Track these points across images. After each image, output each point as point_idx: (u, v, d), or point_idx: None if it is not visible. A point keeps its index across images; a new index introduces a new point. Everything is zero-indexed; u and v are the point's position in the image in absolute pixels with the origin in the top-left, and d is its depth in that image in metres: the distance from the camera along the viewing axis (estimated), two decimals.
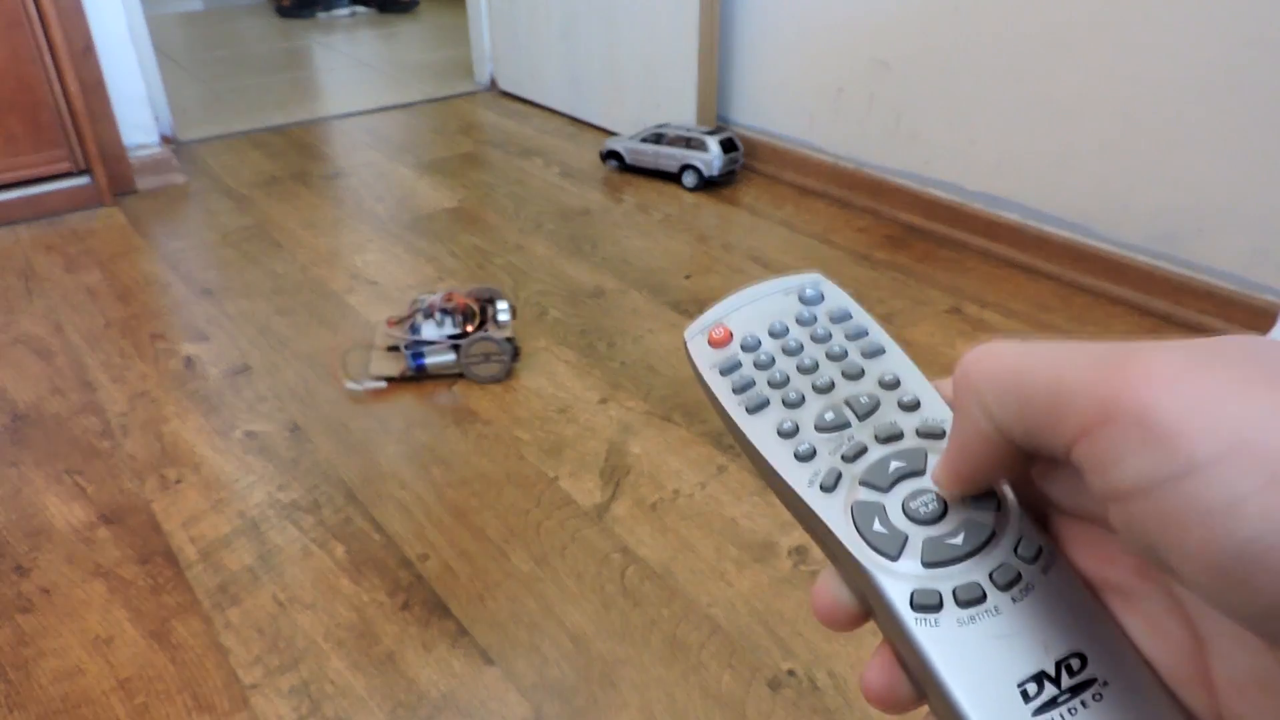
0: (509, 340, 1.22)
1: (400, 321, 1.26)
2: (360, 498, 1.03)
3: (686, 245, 1.63)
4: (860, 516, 0.21)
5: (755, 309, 0.25)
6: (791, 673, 0.81)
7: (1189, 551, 0.15)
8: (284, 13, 3.48)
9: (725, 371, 0.24)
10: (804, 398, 0.23)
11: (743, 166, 1.94)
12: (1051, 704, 0.18)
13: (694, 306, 1.42)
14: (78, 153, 1.75)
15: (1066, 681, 0.18)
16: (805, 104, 1.84)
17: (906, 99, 1.66)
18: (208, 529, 0.98)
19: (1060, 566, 0.20)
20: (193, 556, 0.95)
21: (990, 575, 0.20)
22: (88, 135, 1.73)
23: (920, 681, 0.20)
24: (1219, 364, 0.15)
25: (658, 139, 1.87)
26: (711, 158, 1.81)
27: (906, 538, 0.20)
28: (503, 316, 1.24)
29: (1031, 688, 0.18)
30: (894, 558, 0.20)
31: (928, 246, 1.63)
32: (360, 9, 3.53)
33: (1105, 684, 0.18)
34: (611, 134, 2.15)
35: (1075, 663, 0.18)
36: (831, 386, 0.23)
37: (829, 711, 0.78)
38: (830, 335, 0.24)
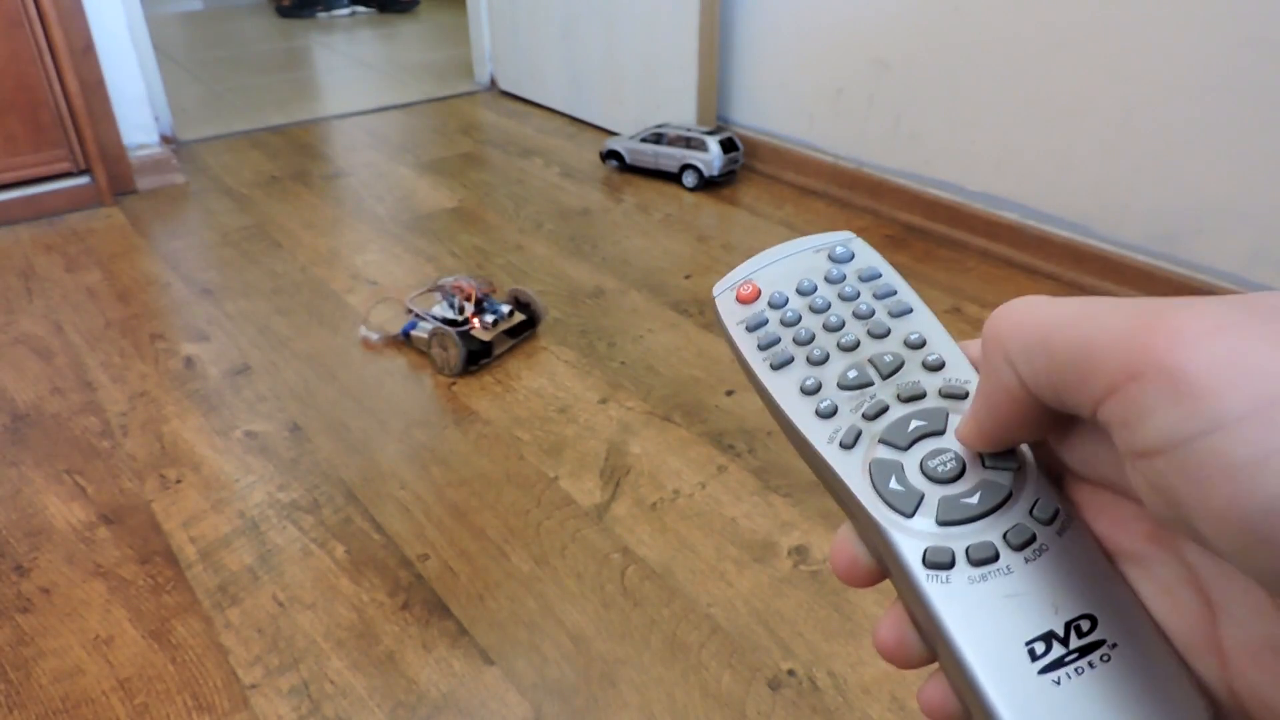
0: (482, 341, 1.23)
1: (421, 295, 1.35)
2: (360, 498, 1.03)
3: (686, 245, 1.63)
4: (878, 474, 0.21)
5: (785, 266, 0.25)
6: (791, 673, 0.81)
7: (1213, 509, 0.15)
8: (284, 13, 3.48)
9: (752, 328, 0.24)
10: (828, 355, 0.23)
11: (743, 166, 1.94)
12: (1059, 663, 0.18)
13: (694, 306, 1.42)
14: (78, 153, 1.75)
15: (1075, 642, 0.18)
16: (805, 104, 1.84)
17: (906, 99, 1.66)
18: (208, 529, 0.98)
19: (1076, 530, 0.20)
20: (193, 556, 0.95)
21: (1004, 535, 0.20)
22: (88, 135, 1.73)
23: (930, 638, 0.20)
24: (1250, 320, 0.15)
25: (658, 139, 1.87)
26: (711, 158, 1.81)
27: (922, 496, 0.21)
28: (488, 318, 1.25)
29: (1039, 646, 0.18)
30: (909, 515, 0.20)
31: (928, 246, 1.63)
32: (360, 9, 3.53)
33: (1114, 646, 0.18)
34: (611, 134, 2.15)
35: (1085, 624, 0.18)
36: (857, 345, 0.23)
37: (829, 711, 0.78)
38: (858, 294, 0.24)
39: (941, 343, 0.23)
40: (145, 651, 0.84)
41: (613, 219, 1.74)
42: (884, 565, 0.21)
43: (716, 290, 0.26)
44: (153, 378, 1.25)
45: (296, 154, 2.08)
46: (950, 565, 0.19)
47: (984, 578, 0.19)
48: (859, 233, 1.42)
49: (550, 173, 1.96)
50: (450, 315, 1.26)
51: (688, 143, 1.84)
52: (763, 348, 0.24)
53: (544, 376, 1.24)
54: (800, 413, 0.22)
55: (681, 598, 0.89)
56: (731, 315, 0.25)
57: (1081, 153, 1.43)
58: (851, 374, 0.23)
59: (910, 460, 0.21)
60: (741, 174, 1.94)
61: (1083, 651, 0.18)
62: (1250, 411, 0.14)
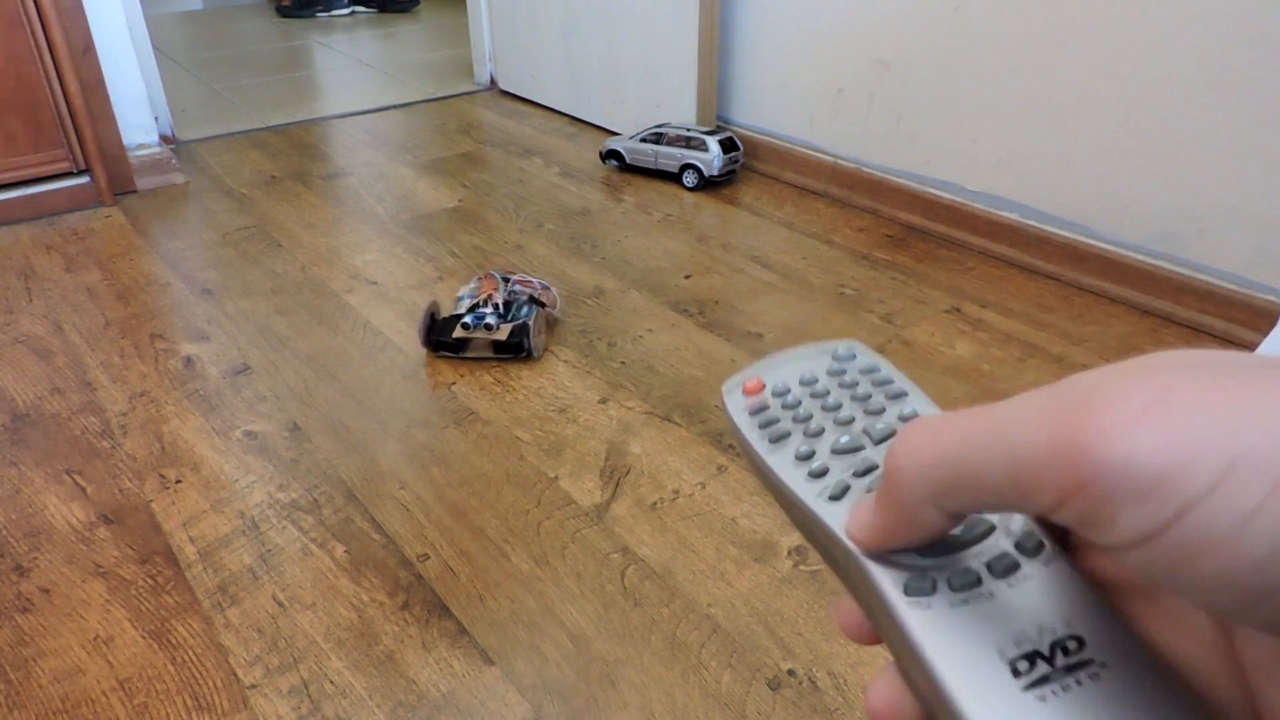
0: (456, 338, 1.25)
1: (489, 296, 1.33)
2: (360, 498, 1.03)
3: (686, 245, 1.63)
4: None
5: (790, 365, 0.27)
6: (791, 673, 0.81)
7: (1205, 581, 0.14)
8: (284, 12, 3.48)
9: (754, 413, 0.26)
10: (824, 429, 0.24)
11: (743, 166, 1.94)
12: (1043, 680, 0.17)
13: (694, 306, 1.42)
14: (77, 153, 1.75)
15: (1061, 661, 0.18)
16: (805, 104, 1.84)
17: (906, 99, 1.66)
18: (207, 529, 0.98)
19: (1063, 563, 0.20)
20: (192, 556, 0.95)
21: (987, 564, 0.20)
22: (87, 135, 1.73)
23: (912, 672, 0.19)
24: (1171, 382, 0.14)
25: (658, 139, 1.87)
26: (711, 158, 1.81)
27: None
28: (479, 319, 1.27)
29: (1023, 665, 0.18)
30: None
31: (928, 246, 1.63)
32: (360, 9, 3.53)
33: (1104, 665, 0.18)
34: (611, 134, 2.15)
35: (1072, 645, 0.18)
36: (852, 420, 0.24)
37: (829, 711, 0.78)
38: (857, 383, 0.25)
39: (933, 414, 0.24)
40: (145, 651, 0.84)
41: (613, 219, 1.74)
42: (872, 613, 0.21)
43: (725, 388, 0.27)
44: (153, 378, 1.25)
45: (296, 154, 2.08)
46: (931, 590, 0.19)
47: (965, 601, 0.19)
48: (858, 233, 1.42)
49: (550, 173, 1.96)
50: (473, 303, 1.30)
51: (688, 143, 1.84)
52: (762, 427, 0.25)
53: (544, 376, 1.24)
54: (793, 477, 0.23)
55: (681, 598, 0.89)
56: (737, 406, 0.26)
57: (1081, 153, 1.43)
58: (844, 439, 0.23)
59: None
60: (741, 174, 1.94)
61: (1069, 669, 0.18)
62: (1218, 478, 0.14)
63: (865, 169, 1.77)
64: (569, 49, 2.21)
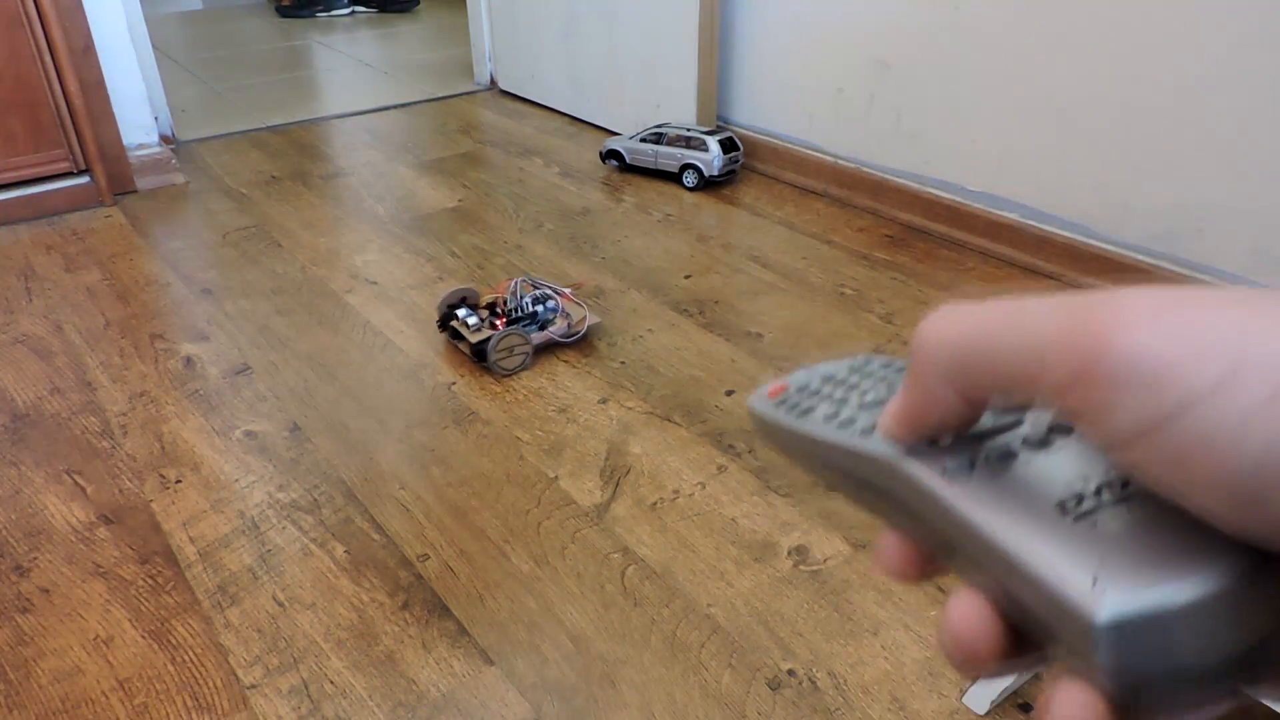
0: (453, 326, 1.26)
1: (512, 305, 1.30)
2: (360, 498, 1.03)
3: (686, 245, 1.63)
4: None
5: (812, 371, 0.28)
6: (791, 673, 0.81)
7: (1199, 483, 0.14)
8: (284, 12, 3.48)
9: (780, 404, 0.26)
10: (849, 399, 0.25)
11: (743, 166, 1.94)
12: (1092, 511, 0.17)
13: (694, 306, 1.42)
14: (77, 153, 1.75)
15: (1107, 496, 0.18)
16: (805, 104, 1.84)
17: (906, 99, 1.66)
18: (207, 529, 0.98)
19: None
20: (192, 556, 0.94)
21: (1022, 440, 0.20)
22: (87, 135, 1.73)
23: (949, 548, 0.20)
24: (1193, 296, 0.15)
25: (658, 139, 1.87)
26: (711, 158, 1.81)
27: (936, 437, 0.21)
28: (460, 312, 1.27)
29: (1070, 503, 0.18)
30: (924, 448, 0.21)
31: (928, 246, 1.63)
32: (360, 9, 3.53)
33: (1150, 495, 0.17)
34: (611, 134, 2.15)
35: (1115, 484, 0.18)
36: (873, 390, 0.25)
37: (829, 711, 0.78)
38: (876, 372, 0.26)
39: None
40: (145, 651, 0.84)
41: (613, 219, 1.74)
42: (916, 524, 0.21)
43: (750, 400, 0.28)
44: (152, 378, 1.25)
45: (296, 154, 2.08)
46: (970, 467, 0.20)
47: (1005, 470, 0.19)
48: (858, 233, 1.43)
49: (550, 172, 1.96)
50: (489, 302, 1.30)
51: (688, 143, 1.84)
52: (789, 409, 0.26)
53: (544, 376, 1.24)
54: (823, 430, 0.24)
55: (681, 598, 0.89)
56: (764, 405, 0.27)
57: (1081, 153, 1.43)
58: (870, 395, 0.24)
59: None
60: (741, 174, 1.94)
61: (1116, 501, 0.18)
62: (1221, 377, 0.14)
63: (865, 169, 1.77)
64: (569, 49, 2.21)
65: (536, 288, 1.30)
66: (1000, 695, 0.78)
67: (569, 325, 1.28)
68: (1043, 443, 0.20)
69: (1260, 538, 0.15)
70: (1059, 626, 0.16)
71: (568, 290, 1.33)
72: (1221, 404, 0.14)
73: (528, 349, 1.24)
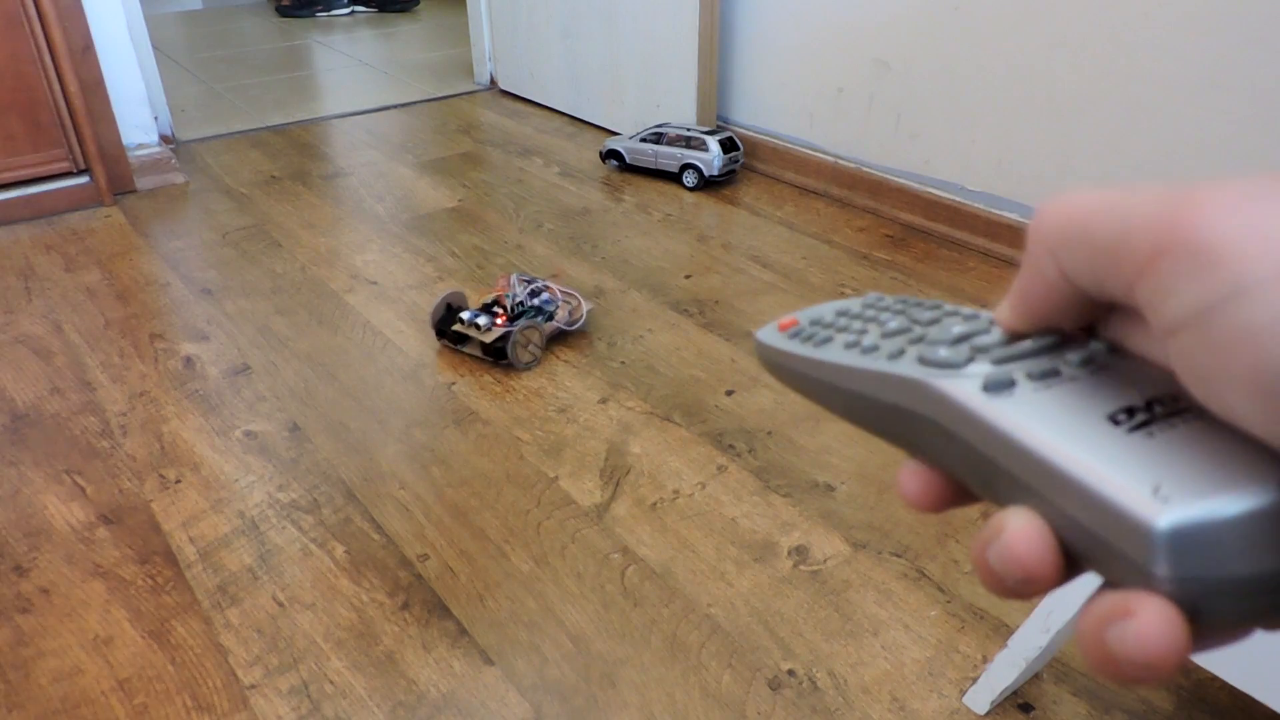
0: (455, 331, 1.25)
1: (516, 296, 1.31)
2: (360, 498, 1.02)
3: (686, 245, 1.63)
4: (926, 353, 0.21)
5: (822, 307, 0.27)
6: (791, 673, 0.81)
7: (1237, 376, 0.15)
8: (284, 12, 3.48)
9: (793, 336, 0.26)
10: (868, 330, 0.24)
11: (743, 166, 1.94)
12: (1146, 423, 0.17)
13: (694, 306, 1.42)
14: (77, 153, 1.75)
15: (1159, 410, 0.18)
16: (805, 104, 1.84)
17: (906, 99, 1.66)
18: (207, 529, 0.98)
19: (1142, 360, 0.19)
20: (192, 556, 0.94)
21: (1064, 357, 0.20)
22: (87, 135, 1.73)
23: (988, 471, 0.19)
24: (1276, 193, 0.15)
25: (658, 139, 1.87)
26: (711, 157, 1.81)
27: (973, 355, 0.20)
28: (466, 314, 1.27)
29: (1121, 417, 0.17)
30: (960, 366, 0.20)
31: (928, 246, 1.63)
32: (360, 9, 3.53)
33: (1202, 411, 0.17)
34: (611, 134, 2.15)
35: (1166, 400, 0.18)
36: (893, 320, 0.24)
37: (829, 711, 0.78)
38: (890, 306, 0.26)
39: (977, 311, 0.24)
40: (145, 652, 0.84)
41: (613, 219, 1.74)
42: (944, 451, 0.20)
43: (758, 332, 0.27)
44: (152, 378, 1.25)
45: (296, 154, 2.08)
46: (1010, 385, 0.19)
47: (1049, 386, 0.19)
48: (858, 233, 1.42)
49: (550, 172, 1.96)
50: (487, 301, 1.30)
51: (688, 143, 1.84)
52: (804, 340, 0.25)
53: (544, 376, 1.24)
54: (845, 357, 0.23)
55: (681, 598, 0.89)
56: (774, 339, 0.26)
57: (1081, 153, 1.43)
58: (892, 324, 0.23)
59: (959, 344, 0.21)
60: (741, 174, 1.94)
61: (1169, 415, 0.17)
62: (1270, 276, 0.14)
63: (865, 169, 1.77)
64: (569, 49, 2.21)
65: (530, 282, 1.31)
66: (1000, 695, 0.78)
67: (570, 313, 1.30)
68: (1087, 361, 0.19)
69: None
70: (1116, 538, 0.16)
71: (549, 282, 1.34)
72: (1265, 298, 0.14)
73: (542, 341, 1.26)
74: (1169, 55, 1.29)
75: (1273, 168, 1.22)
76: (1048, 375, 0.19)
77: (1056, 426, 0.18)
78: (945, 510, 0.22)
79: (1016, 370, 0.19)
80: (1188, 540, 0.15)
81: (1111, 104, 1.37)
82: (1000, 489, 0.19)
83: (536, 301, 1.29)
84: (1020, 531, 0.17)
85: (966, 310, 0.24)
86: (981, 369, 0.20)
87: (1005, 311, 0.21)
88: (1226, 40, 1.23)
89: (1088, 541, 0.17)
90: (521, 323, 1.24)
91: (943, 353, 0.21)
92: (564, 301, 1.31)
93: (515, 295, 1.28)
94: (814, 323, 0.26)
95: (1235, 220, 0.15)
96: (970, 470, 0.20)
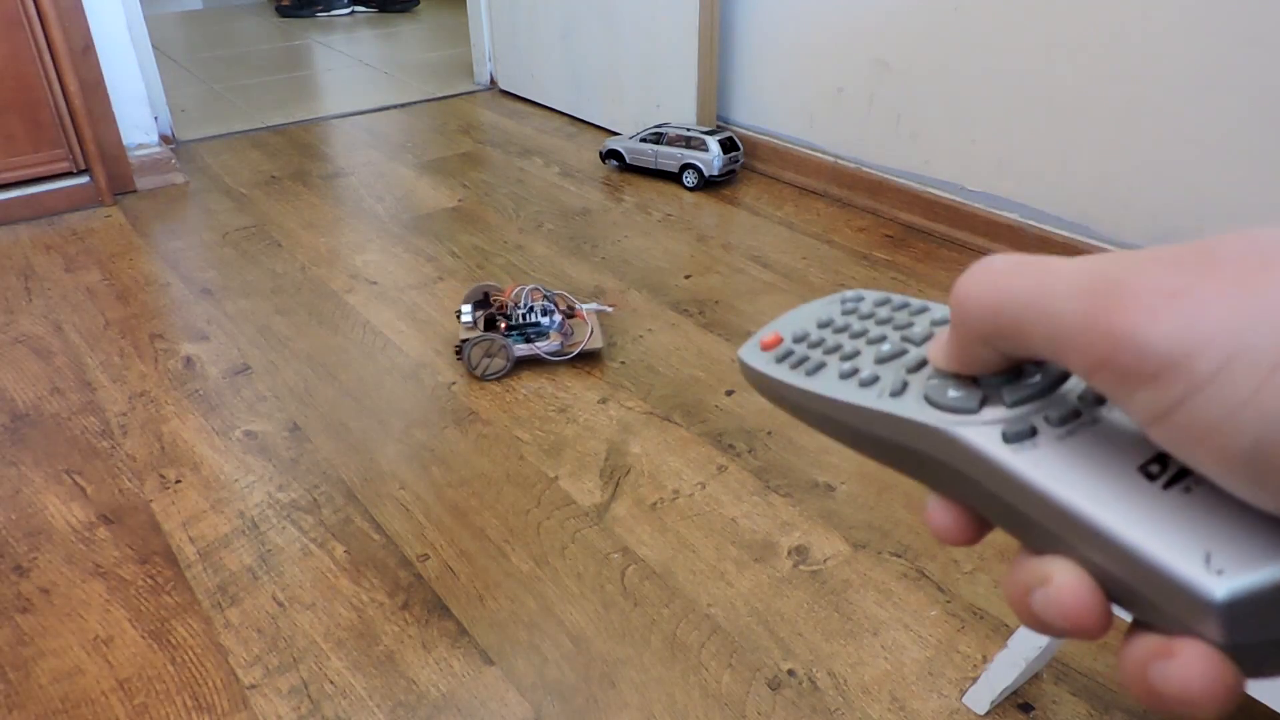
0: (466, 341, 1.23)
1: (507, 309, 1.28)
2: (360, 498, 1.02)
3: (686, 245, 1.63)
4: (934, 393, 0.20)
5: (801, 315, 0.26)
6: (791, 673, 0.81)
7: (1211, 460, 0.16)
8: (284, 12, 3.48)
9: (780, 359, 0.25)
10: (859, 351, 0.24)
11: (743, 166, 1.94)
12: (1181, 475, 0.17)
13: (694, 306, 1.42)
14: (77, 153, 1.75)
15: None
16: (805, 104, 1.84)
17: (906, 99, 1.66)
18: (207, 529, 0.98)
19: None
20: (192, 556, 0.94)
21: (1079, 396, 0.19)
22: (87, 135, 1.73)
23: (1036, 528, 0.18)
24: (1210, 269, 0.16)
25: (658, 139, 1.87)
26: (711, 157, 1.81)
27: (984, 395, 0.20)
28: (466, 317, 1.26)
29: (1154, 468, 0.17)
30: (975, 410, 0.20)
31: (928, 246, 1.63)
32: (360, 9, 3.53)
33: None
34: (611, 134, 2.15)
35: None
36: (884, 337, 0.24)
37: (829, 711, 0.78)
38: (874, 313, 0.25)
39: None
40: (145, 651, 0.84)
41: (613, 219, 1.74)
42: (971, 490, 0.20)
43: (741, 352, 0.26)
44: (152, 378, 1.25)
45: (296, 154, 2.08)
46: (1033, 433, 0.19)
47: (1071, 432, 0.18)
48: (858, 233, 1.42)
49: (550, 172, 1.96)
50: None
51: (688, 143, 1.84)
52: (794, 367, 0.24)
53: (544, 376, 1.24)
54: (845, 392, 0.22)
55: (681, 598, 0.89)
56: (758, 360, 0.25)
57: (1081, 153, 1.43)
58: (886, 347, 0.23)
59: (965, 379, 0.21)
60: (741, 174, 1.94)
61: None
62: (1219, 366, 0.15)
63: (865, 169, 1.77)
64: (569, 49, 2.21)
65: (549, 299, 1.27)
66: (1000, 695, 0.78)
67: (562, 344, 1.25)
68: (1101, 398, 0.19)
69: (1273, 508, 0.16)
70: (1167, 603, 0.16)
71: (584, 307, 1.30)
72: (1216, 394, 0.15)
73: (506, 357, 1.22)
74: (1169, 55, 1.29)
75: (1273, 168, 1.22)
76: (1067, 419, 0.19)
77: (1091, 483, 0.17)
78: (979, 541, 0.21)
79: (1035, 415, 0.19)
80: (1243, 609, 0.15)
81: (1111, 104, 1.37)
82: (1032, 537, 0.19)
83: (541, 320, 1.25)
84: (1069, 587, 0.18)
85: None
86: (997, 413, 0.19)
87: (940, 361, 0.21)
88: (1226, 40, 1.23)
89: (1133, 598, 0.17)
90: (480, 335, 1.21)
91: (951, 394, 0.20)
92: (566, 330, 1.26)
93: (514, 306, 1.26)
94: (798, 339, 0.25)
95: (1173, 316, 0.15)
96: (997, 514, 0.20)
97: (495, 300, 1.29)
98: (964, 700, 0.79)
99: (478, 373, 1.22)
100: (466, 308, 1.26)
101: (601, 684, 0.81)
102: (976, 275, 0.19)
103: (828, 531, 0.97)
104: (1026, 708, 0.78)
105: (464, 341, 1.22)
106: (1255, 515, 0.16)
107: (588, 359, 1.27)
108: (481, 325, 1.26)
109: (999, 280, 0.18)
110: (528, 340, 1.24)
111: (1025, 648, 0.75)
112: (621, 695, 0.80)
